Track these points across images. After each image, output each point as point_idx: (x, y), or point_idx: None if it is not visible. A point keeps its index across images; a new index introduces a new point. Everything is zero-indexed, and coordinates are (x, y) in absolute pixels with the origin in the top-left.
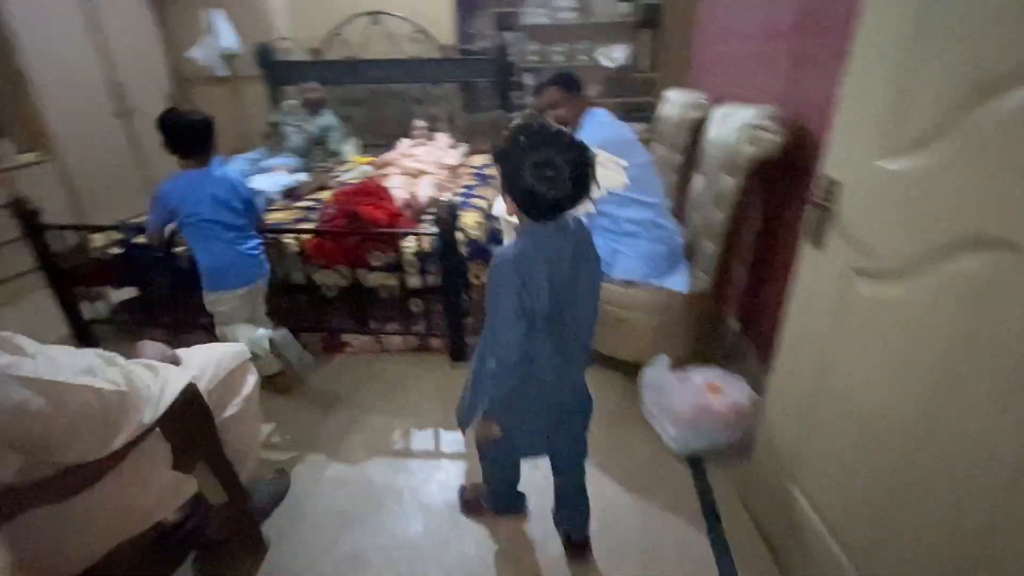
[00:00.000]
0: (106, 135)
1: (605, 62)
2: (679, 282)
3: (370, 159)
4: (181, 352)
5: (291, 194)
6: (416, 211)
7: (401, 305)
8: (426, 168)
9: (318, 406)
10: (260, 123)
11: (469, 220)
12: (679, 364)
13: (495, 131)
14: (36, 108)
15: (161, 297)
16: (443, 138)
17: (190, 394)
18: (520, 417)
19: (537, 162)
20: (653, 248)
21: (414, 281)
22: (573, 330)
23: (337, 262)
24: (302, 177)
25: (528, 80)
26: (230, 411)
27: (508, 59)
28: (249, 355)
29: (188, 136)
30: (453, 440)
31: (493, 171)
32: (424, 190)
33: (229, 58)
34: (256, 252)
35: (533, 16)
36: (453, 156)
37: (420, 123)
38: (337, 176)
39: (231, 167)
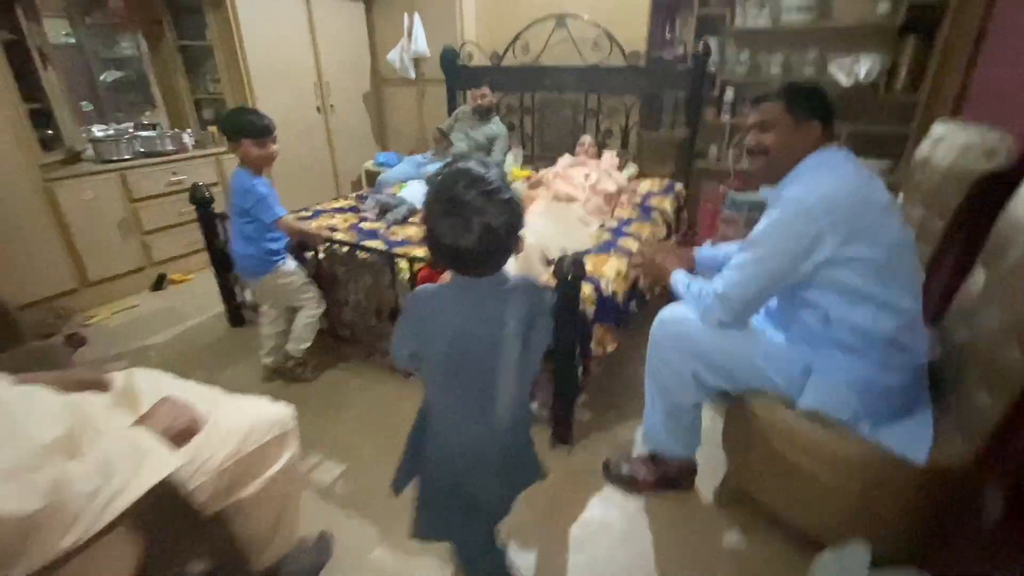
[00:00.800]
0: (306, 128)
1: (842, 77)
2: (914, 441)
3: (529, 173)
4: (208, 413)
5: None
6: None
7: None
8: (577, 195)
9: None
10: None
11: (608, 269)
12: (887, 561)
13: (675, 152)
14: (255, 98)
15: None
16: (609, 157)
17: (166, 490)
18: (424, 484)
19: (446, 206)
20: (882, 378)
21: None
22: (488, 396)
23: None
24: None
25: (729, 95)
26: (249, 491)
27: (707, 70)
28: (292, 425)
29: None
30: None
31: (660, 202)
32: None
33: (419, 61)
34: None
35: (750, 18)
36: (615, 180)
37: (587, 139)
38: None
39: (397, 168)
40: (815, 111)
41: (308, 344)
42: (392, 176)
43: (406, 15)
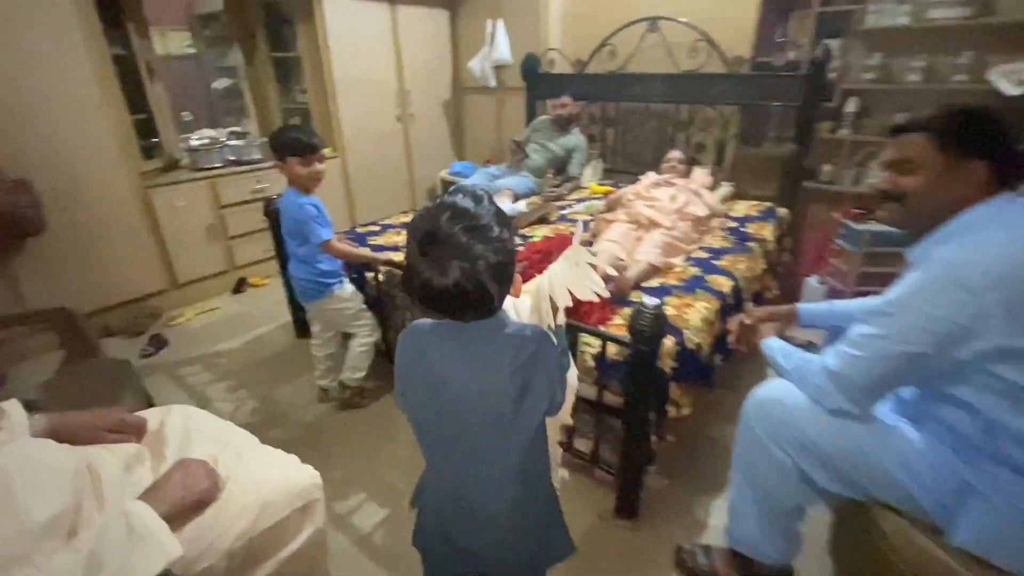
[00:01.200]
0: (385, 137)
1: (1006, 86)
2: None
3: (608, 189)
4: (227, 477)
5: None
6: (621, 288)
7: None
8: (660, 220)
9: None
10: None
11: (694, 315)
12: None
13: (780, 171)
14: (338, 107)
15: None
16: (701, 175)
17: None
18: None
19: (424, 239)
20: None
21: (586, 390)
22: (473, 453)
23: None
24: (521, 206)
25: (851, 106)
26: (265, 571)
27: (826, 77)
28: (316, 495)
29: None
30: None
31: (759, 229)
32: (645, 256)
33: (500, 69)
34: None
35: (885, 16)
36: (705, 202)
37: (676, 154)
38: (564, 209)
39: (469, 181)
40: (981, 147)
41: (363, 373)
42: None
43: (489, 21)
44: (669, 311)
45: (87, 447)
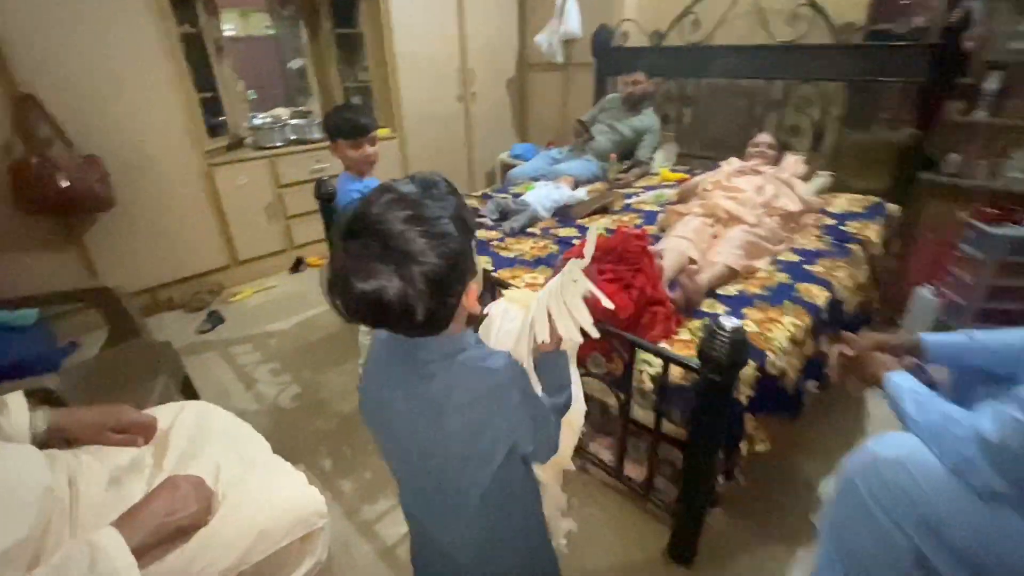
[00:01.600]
0: (446, 118)
1: None
2: None
3: (682, 176)
4: (222, 496)
5: (562, 214)
6: (691, 296)
7: (623, 425)
8: (742, 214)
9: None
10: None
11: (779, 333)
12: None
13: (892, 160)
14: (398, 85)
15: None
16: (793, 162)
17: None
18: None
19: (348, 229)
20: None
21: (643, 415)
22: (425, 493)
23: None
24: (580, 194)
25: (993, 83)
26: None
27: (961, 47)
28: (319, 523)
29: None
30: None
31: (862, 228)
32: (723, 257)
33: (569, 44)
34: None
35: None
36: (797, 195)
37: (765, 138)
38: (630, 198)
39: (529, 164)
40: None
41: None
42: (521, 172)
43: None
44: (749, 327)
45: (77, 453)
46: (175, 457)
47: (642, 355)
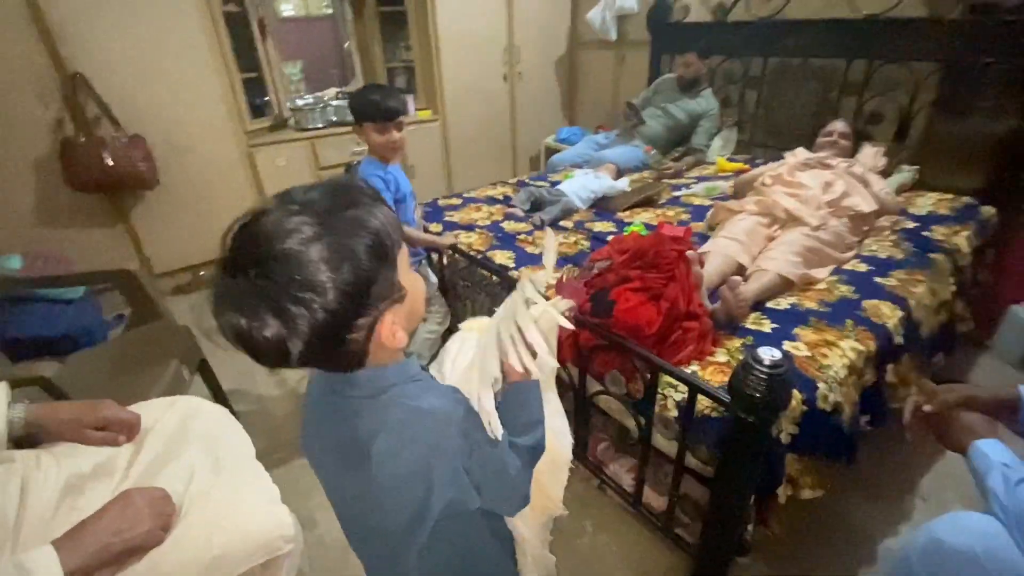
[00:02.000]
0: (489, 98)
1: None
2: None
3: (740, 167)
4: (182, 510)
5: (601, 206)
6: (732, 311)
7: (643, 452)
8: (803, 215)
9: None
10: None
11: (836, 358)
12: None
13: (991, 155)
14: (441, 65)
15: None
16: (871, 154)
17: None
18: None
19: (235, 234)
20: None
21: (666, 444)
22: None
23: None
24: (622, 184)
25: None
26: None
27: None
28: (286, 549)
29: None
30: None
31: (950, 234)
32: (775, 264)
33: (623, 20)
34: None
35: None
36: (872, 193)
37: (840, 126)
38: (678, 190)
39: (572, 149)
40: None
41: (425, 362)
42: (564, 158)
43: None
44: (798, 350)
45: (40, 455)
46: (148, 460)
47: (667, 378)
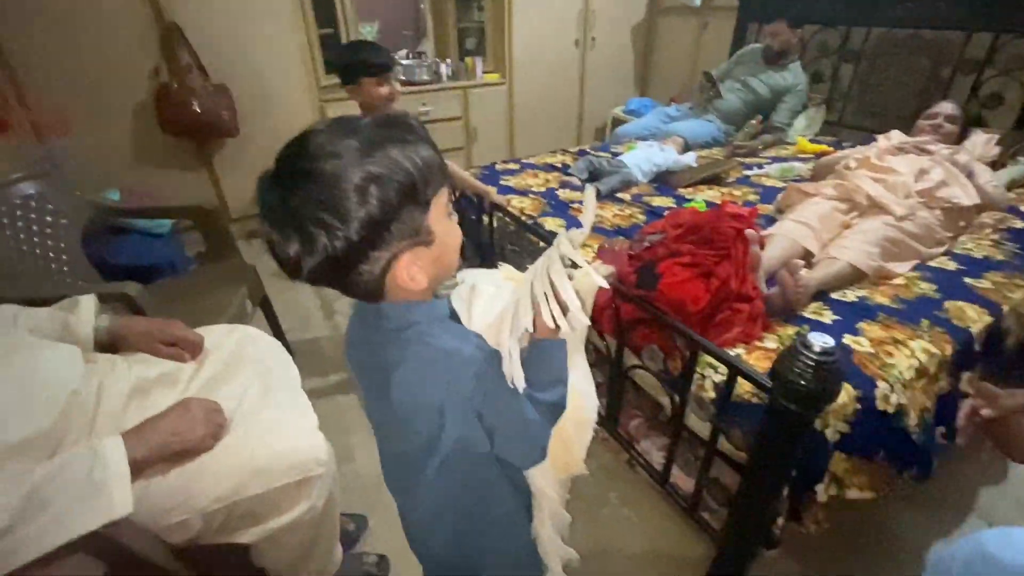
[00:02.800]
0: (559, 64)
1: None
2: None
3: (823, 148)
4: (231, 424)
5: (662, 180)
6: (789, 297)
7: (674, 432)
8: (888, 203)
9: None
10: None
11: (901, 359)
12: None
13: None
14: (512, 27)
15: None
16: (982, 142)
17: (122, 530)
18: None
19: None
20: None
21: (698, 425)
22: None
23: (594, 323)
24: (687, 159)
25: None
26: (248, 538)
27: None
28: (318, 471)
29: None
30: None
31: None
32: (848, 253)
33: None
34: None
35: None
36: (977, 185)
37: (947, 107)
38: (749, 169)
39: (640, 121)
40: None
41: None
42: (630, 130)
43: None
44: (859, 345)
45: (116, 360)
46: (207, 376)
47: (707, 359)
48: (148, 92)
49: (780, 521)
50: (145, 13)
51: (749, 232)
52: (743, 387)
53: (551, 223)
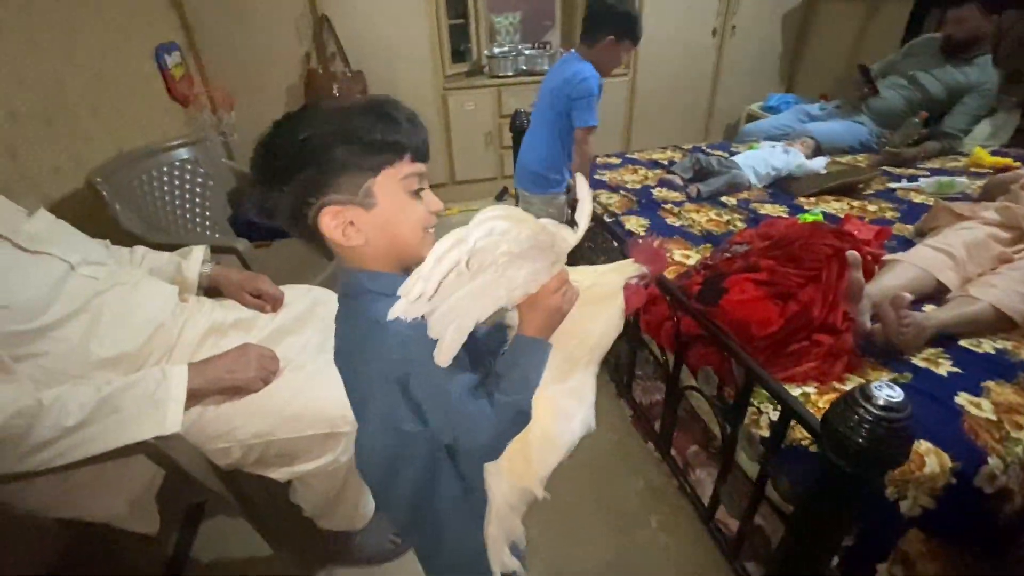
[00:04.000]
0: (690, 55)
1: None
2: None
3: (1006, 162)
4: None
5: (782, 187)
6: (892, 336)
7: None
8: None
9: None
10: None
11: (1020, 430)
12: None
13: None
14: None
15: None
16: None
17: (175, 444)
18: None
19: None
20: None
21: (748, 464)
22: None
23: (653, 334)
24: (815, 165)
25: None
26: (279, 474)
27: None
28: (345, 429)
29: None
30: None
31: None
32: (992, 295)
33: None
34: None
35: None
36: None
37: None
38: (897, 181)
39: (774, 119)
40: None
41: None
42: (759, 128)
43: None
44: (979, 408)
45: (205, 303)
46: (275, 327)
47: (764, 392)
48: (300, 76)
49: None
50: (302, 4)
51: (851, 253)
52: (800, 431)
53: (633, 222)
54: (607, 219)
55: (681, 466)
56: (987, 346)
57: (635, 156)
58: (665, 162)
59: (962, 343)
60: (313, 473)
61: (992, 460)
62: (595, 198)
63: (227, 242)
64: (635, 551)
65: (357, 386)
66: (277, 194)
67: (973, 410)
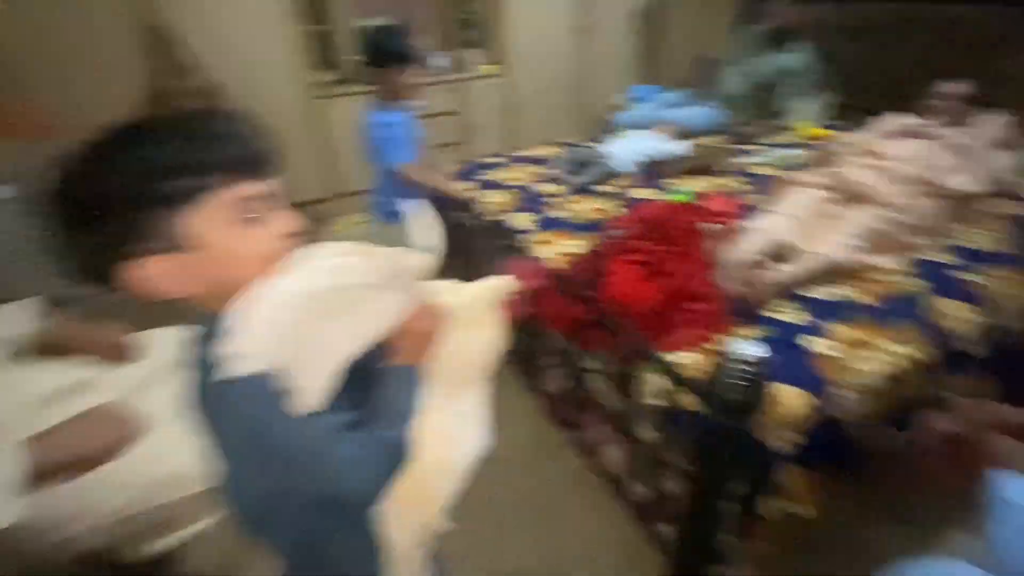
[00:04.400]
0: (556, 53)
1: None
2: None
3: (827, 133)
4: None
5: (651, 171)
6: (749, 293)
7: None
8: (876, 192)
9: None
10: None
11: (871, 363)
12: None
13: None
14: (508, 20)
15: None
16: (993, 124)
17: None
18: None
19: None
20: None
21: (649, 434)
22: None
23: (546, 319)
24: (676, 147)
25: None
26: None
27: None
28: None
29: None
30: None
31: None
32: (828, 247)
33: None
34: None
35: None
36: (982, 172)
37: (956, 87)
38: (745, 157)
39: (637, 110)
40: None
41: None
42: (625, 119)
43: None
44: (828, 347)
45: (42, 363)
46: (136, 381)
47: (652, 364)
48: (142, 94)
49: (733, 537)
50: (127, 14)
51: (706, 226)
52: (689, 396)
53: (522, 218)
54: (498, 217)
55: (593, 446)
56: (833, 293)
57: (520, 155)
58: (548, 158)
59: (811, 294)
60: (201, 536)
61: (842, 391)
62: (483, 198)
63: (69, 291)
64: (558, 537)
65: (210, 443)
66: (73, 251)
67: (820, 351)
